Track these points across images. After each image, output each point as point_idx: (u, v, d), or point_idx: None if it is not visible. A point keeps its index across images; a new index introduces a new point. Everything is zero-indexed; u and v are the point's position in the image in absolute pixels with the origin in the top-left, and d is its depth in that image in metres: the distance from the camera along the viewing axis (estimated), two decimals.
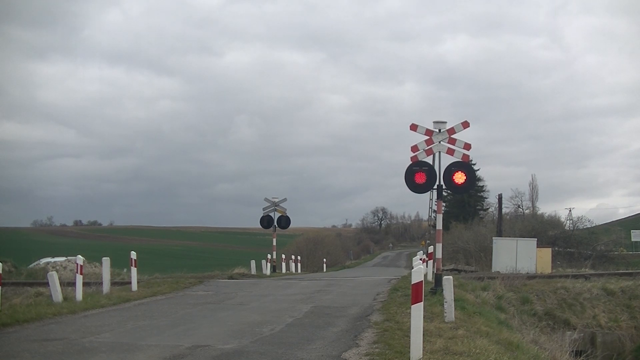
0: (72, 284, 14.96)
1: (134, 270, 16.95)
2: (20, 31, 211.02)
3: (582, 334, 19.09)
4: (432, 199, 49.54)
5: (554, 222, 56.73)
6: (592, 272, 27.06)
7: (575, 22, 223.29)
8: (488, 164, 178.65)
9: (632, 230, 55.81)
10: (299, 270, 36.15)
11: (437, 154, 15.17)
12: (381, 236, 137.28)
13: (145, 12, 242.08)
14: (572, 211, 73.05)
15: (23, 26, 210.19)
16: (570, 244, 48.75)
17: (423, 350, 7.63)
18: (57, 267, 28.36)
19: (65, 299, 13.91)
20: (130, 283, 17.07)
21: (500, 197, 48.35)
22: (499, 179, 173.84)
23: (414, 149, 15.12)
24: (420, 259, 14.97)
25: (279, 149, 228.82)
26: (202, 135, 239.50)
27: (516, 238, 37.58)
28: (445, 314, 11.02)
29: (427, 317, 10.41)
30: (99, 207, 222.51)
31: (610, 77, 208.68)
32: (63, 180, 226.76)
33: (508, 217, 61.67)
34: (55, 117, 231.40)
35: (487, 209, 72.21)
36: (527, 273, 26.48)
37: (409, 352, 7.54)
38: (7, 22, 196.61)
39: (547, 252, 34.47)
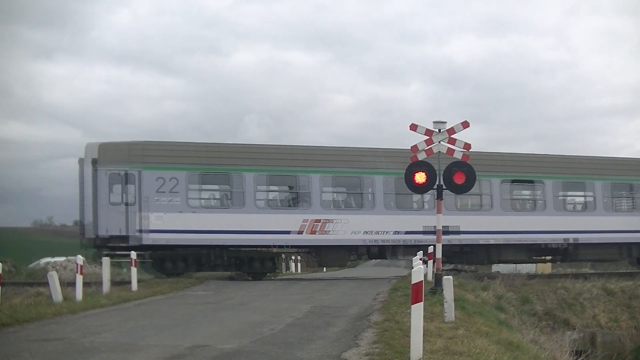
0: (72, 284, 14.96)
1: (134, 270, 16.96)
2: (28, 31, 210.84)
3: (582, 334, 19.06)
4: None
5: None
6: (592, 272, 27.03)
7: (582, 23, 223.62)
8: None
9: None
10: (299, 270, 36.13)
11: (437, 154, 15.18)
12: None
13: (154, 12, 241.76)
14: None
15: (31, 26, 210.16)
16: None
17: (423, 350, 7.62)
18: (57, 267, 28.35)
19: (65, 299, 13.91)
20: (130, 283, 17.07)
21: None
22: None
23: (414, 149, 15.13)
24: (420, 259, 14.96)
25: None
26: (208, 136, 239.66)
27: None
28: (445, 314, 11.02)
29: (427, 317, 10.40)
30: None
31: (615, 78, 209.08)
32: (68, 180, 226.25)
33: None
34: (61, 117, 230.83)
35: None
36: (527, 273, 26.47)
37: (409, 352, 7.54)
38: (15, 22, 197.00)
39: None
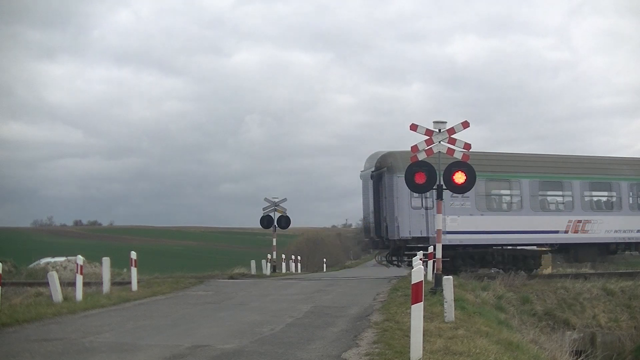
0: (72, 284, 14.95)
1: (134, 270, 16.93)
2: (30, 31, 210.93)
3: (582, 334, 19.07)
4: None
5: None
6: (592, 272, 27.05)
7: (584, 23, 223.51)
8: None
9: None
10: (299, 270, 36.14)
11: (437, 154, 15.18)
12: None
13: (156, 12, 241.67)
14: None
15: (33, 26, 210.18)
16: None
17: (423, 350, 7.63)
18: (57, 267, 28.32)
19: (65, 299, 13.90)
20: (130, 283, 17.06)
21: None
22: None
23: (414, 149, 15.14)
24: (420, 259, 14.96)
25: (285, 149, 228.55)
26: (209, 136, 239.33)
27: None
28: (445, 314, 11.02)
29: (427, 317, 10.40)
30: (104, 207, 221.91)
31: (616, 78, 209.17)
32: (69, 180, 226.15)
33: None
34: (62, 117, 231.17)
35: None
36: (527, 273, 26.48)
37: (409, 352, 7.54)
38: (17, 23, 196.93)
39: None
